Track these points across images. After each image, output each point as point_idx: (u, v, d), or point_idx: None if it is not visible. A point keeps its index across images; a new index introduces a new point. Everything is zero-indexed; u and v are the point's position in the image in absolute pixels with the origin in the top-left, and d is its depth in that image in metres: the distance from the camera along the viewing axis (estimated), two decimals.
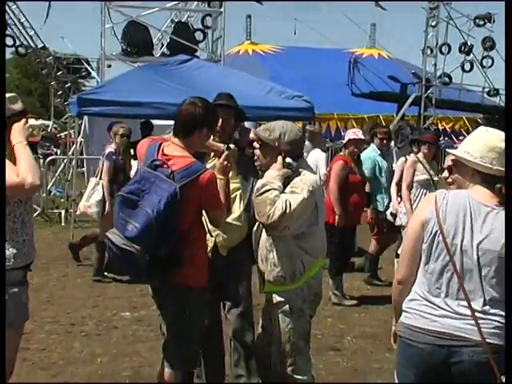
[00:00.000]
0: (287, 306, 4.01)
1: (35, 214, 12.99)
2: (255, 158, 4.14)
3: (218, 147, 4.14)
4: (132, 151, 11.47)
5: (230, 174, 4.18)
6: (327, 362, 5.83)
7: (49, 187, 14.81)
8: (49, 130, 28.35)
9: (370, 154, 8.46)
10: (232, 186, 4.36)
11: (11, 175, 3.44)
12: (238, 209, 4.45)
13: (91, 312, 7.11)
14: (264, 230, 4.00)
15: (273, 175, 3.91)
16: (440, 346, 2.95)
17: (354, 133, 7.71)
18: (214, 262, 4.30)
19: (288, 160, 3.94)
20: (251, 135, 4.20)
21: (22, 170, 3.45)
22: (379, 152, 8.50)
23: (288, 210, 3.74)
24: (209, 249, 4.34)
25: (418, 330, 3.02)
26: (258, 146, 4.07)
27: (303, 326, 4.08)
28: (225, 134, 4.43)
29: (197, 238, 3.91)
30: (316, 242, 4.01)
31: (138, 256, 3.63)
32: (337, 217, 7.35)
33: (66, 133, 16.91)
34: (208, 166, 4.19)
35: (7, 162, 3.48)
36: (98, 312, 7.13)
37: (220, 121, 4.28)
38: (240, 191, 4.47)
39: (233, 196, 4.39)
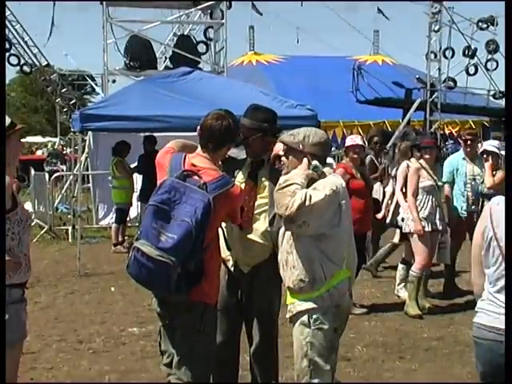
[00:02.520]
0: (306, 317, 3.84)
1: (42, 232, 13.00)
2: (282, 166, 4.09)
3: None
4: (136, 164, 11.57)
5: (259, 189, 4.23)
6: (338, 372, 5.60)
7: (55, 204, 14.81)
8: (56, 146, 28.49)
9: (453, 158, 8.52)
10: (259, 201, 4.33)
11: None
12: (262, 225, 4.35)
13: (99, 329, 7.06)
14: (284, 232, 3.89)
15: (297, 173, 3.83)
16: (501, 342, 3.07)
17: (351, 139, 7.71)
18: (235, 279, 4.24)
19: (314, 162, 3.87)
20: (276, 145, 4.19)
21: None
22: (463, 156, 8.34)
23: (308, 203, 3.63)
24: (230, 265, 4.27)
25: (483, 327, 3.20)
26: (283, 153, 4.01)
27: (323, 342, 3.83)
28: (252, 152, 4.39)
29: (214, 254, 3.89)
30: (338, 246, 3.86)
31: (174, 268, 3.56)
32: None
33: (71, 149, 16.92)
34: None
35: None
36: (106, 328, 7.07)
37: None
38: (267, 207, 4.35)
39: (259, 211, 4.35)
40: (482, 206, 7.58)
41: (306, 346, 3.83)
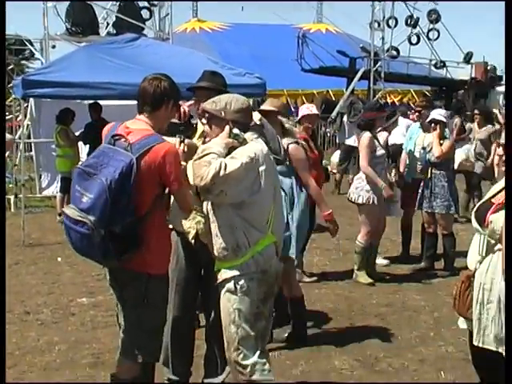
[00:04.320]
0: (232, 283, 3.79)
1: None
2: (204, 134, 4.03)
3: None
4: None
5: None
6: (288, 340, 5.79)
7: None
8: None
9: (413, 127, 8.82)
10: None
11: None
12: None
13: (46, 299, 6.95)
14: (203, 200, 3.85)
15: (216, 141, 3.78)
16: None
17: (307, 108, 7.62)
18: (195, 251, 4.19)
19: (235, 131, 3.81)
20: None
21: None
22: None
23: (222, 172, 3.59)
24: (191, 236, 4.22)
25: None
26: (205, 120, 3.94)
27: (250, 308, 3.81)
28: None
29: (157, 223, 3.76)
30: (260, 213, 3.81)
31: (92, 228, 3.51)
32: None
33: (11, 116, 16.44)
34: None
35: None
36: (54, 299, 6.97)
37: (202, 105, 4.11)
38: None
39: None
40: (431, 175, 7.71)
41: (233, 313, 3.81)
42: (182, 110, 4.36)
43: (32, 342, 5.78)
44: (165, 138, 3.86)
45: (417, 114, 8.92)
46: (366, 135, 7.46)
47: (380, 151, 7.53)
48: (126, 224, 3.60)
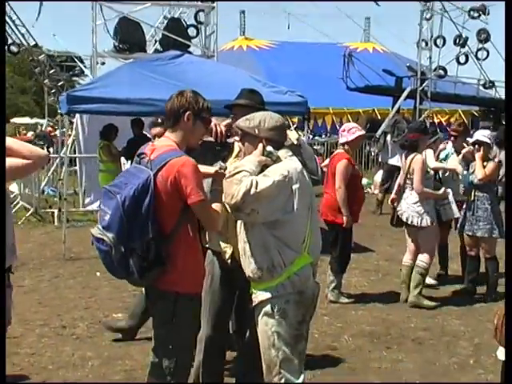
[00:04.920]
0: (269, 306, 3.73)
1: (28, 214, 12.87)
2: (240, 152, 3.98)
3: (208, 172, 3.88)
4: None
5: None
6: (324, 361, 5.71)
7: (42, 186, 14.66)
8: (43, 128, 28.23)
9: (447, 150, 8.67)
10: None
11: (14, 161, 3.55)
12: None
13: (83, 314, 6.97)
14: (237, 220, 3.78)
15: (249, 159, 3.73)
16: None
17: (358, 129, 7.59)
18: (231, 271, 4.14)
19: (269, 148, 3.75)
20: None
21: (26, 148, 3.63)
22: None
23: (253, 190, 3.52)
24: (228, 256, 4.18)
25: None
26: (238, 138, 3.90)
27: (289, 331, 3.73)
28: None
29: (184, 241, 3.70)
30: (295, 232, 3.72)
31: (110, 245, 3.52)
32: (345, 217, 7.27)
33: (59, 131, 16.71)
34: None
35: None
36: (90, 314, 6.99)
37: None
38: None
39: None
40: (474, 197, 7.54)
41: (272, 336, 3.74)
42: (218, 129, 4.30)
43: (66, 356, 5.79)
44: (202, 167, 3.79)
45: (452, 138, 8.76)
46: (419, 158, 7.37)
47: (429, 173, 7.49)
48: (148, 241, 3.57)
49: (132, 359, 5.67)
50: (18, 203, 14.10)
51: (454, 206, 7.66)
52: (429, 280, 8.05)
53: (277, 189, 3.61)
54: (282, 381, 3.76)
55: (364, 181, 17.29)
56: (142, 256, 3.57)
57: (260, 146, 3.76)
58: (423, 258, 7.40)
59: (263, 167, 3.72)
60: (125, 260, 3.57)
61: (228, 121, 4.49)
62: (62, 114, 10.24)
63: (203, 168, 3.81)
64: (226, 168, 3.80)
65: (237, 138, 3.93)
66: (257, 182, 3.56)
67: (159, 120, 6.09)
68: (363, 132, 7.64)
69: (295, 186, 3.68)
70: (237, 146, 4.27)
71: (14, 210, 13.67)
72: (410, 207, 7.40)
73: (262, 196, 3.56)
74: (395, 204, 7.72)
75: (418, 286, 7.37)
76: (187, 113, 3.75)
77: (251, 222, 3.72)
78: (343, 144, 7.54)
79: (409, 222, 7.42)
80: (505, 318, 3.01)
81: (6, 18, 20.42)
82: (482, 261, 7.83)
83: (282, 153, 3.82)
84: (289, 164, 3.76)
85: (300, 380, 3.78)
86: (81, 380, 5.30)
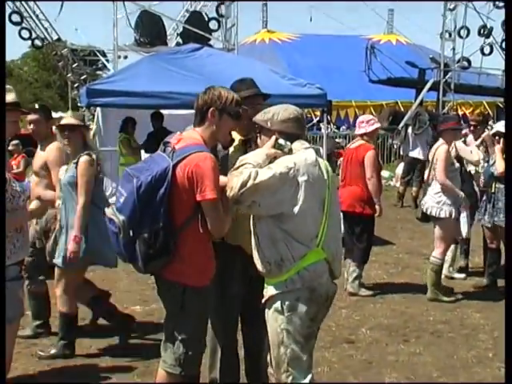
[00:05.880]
0: (279, 303, 3.64)
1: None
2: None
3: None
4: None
5: None
6: (341, 354, 5.69)
7: None
8: None
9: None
10: None
11: None
12: None
13: None
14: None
15: (256, 152, 3.70)
16: None
17: (376, 121, 7.62)
18: (245, 264, 4.08)
19: (280, 141, 3.70)
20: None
21: None
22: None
23: (251, 182, 3.46)
24: (241, 250, 4.13)
25: None
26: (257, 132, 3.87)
27: (299, 329, 3.64)
28: (244, 125, 4.10)
29: (195, 235, 3.68)
30: (304, 225, 3.60)
31: (119, 227, 3.55)
32: (377, 206, 7.35)
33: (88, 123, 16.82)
34: None
35: None
36: None
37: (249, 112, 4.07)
38: None
39: None
40: (495, 189, 7.45)
41: (281, 334, 3.66)
42: None
43: (84, 348, 5.83)
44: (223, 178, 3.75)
45: (471, 128, 8.67)
46: (443, 148, 7.30)
47: (455, 165, 7.41)
48: (157, 230, 3.57)
49: (149, 351, 5.68)
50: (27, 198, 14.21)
51: (467, 226, 7.39)
52: (457, 275, 8.12)
53: (279, 181, 3.53)
54: (289, 379, 3.70)
55: (386, 174, 17.22)
56: (148, 243, 3.58)
57: (272, 138, 3.71)
58: (436, 254, 7.36)
59: (273, 160, 3.67)
60: (132, 245, 3.59)
61: None
62: (82, 108, 10.29)
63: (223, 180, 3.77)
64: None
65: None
66: (256, 174, 3.50)
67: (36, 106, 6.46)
68: (380, 124, 7.66)
69: (302, 179, 3.58)
70: (236, 136, 4.21)
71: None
72: (432, 198, 7.33)
73: (260, 188, 3.49)
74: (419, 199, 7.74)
75: (433, 282, 7.33)
76: (211, 109, 3.77)
77: (257, 216, 3.67)
78: (362, 135, 7.52)
79: (428, 213, 7.36)
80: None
81: (30, 13, 20.64)
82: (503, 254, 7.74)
83: (297, 145, 3.75)
84: (297, 156, 3.67)
85: (308, 379, 3.71)
86: (100, 372, 5.33)
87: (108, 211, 3.67)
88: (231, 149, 4.20)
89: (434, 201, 7.31)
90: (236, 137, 4.22)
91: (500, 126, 7.58)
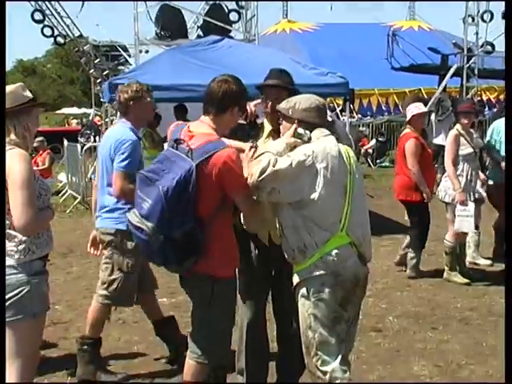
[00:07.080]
0: (304, 289, 3.70)
1: (75, 202, 13.08)
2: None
3: (241, 147, 3.90)
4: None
5: None
6: (368, 343, 5.68)
7: (89, 175, 14.86)
8: (90, 117, 28.63)
9: (499, 122, 8.20)
10: None
11: None
12: None
13: None
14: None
15: (276, 141, 3.74)
16: None
17: (416, 107, 7.53)
18: (269, 249, 4.13)
19: (300, 130, 3.73)
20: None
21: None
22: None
23: (270, 168, 3.52)
24: (265, 239, 4.17)
25: None
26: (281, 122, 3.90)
27: (326, 313, 3.67)
28: (274, 116, 4.10)
29: (221, 229, 3.73)
30: (324, 211, 3.63)
31: (150, 234, 3.54)
32: (424, 194, 7.35)
33: (106, 120, 16.92)
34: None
35: None
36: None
37: (269, 104, 4.10)
38: None
39: None
40: None
41: (308, 318, 3.71)
42: (248, 109, 4.28)
43: (112, 340, 5.88)
44: (235, 142, 3.84)
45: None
46: (451, 132, 7.33)
47: (466, 150, 7.33)
48: (187, 231, 3.58)
49: None
50: (66, 192, 14.33)
51: (471, 222, 7.33)
52: (482, 261, 8.13)
53: (297, 168, 3.58)
54: (319, 362, 3.73)
55: None
56: (180, 245, 3.59)
57: (293, 126, 3.75)
58: (448, 237, 7.47)
59: (293, 149, 3.70)
60: (163, 249, 3.59)
61: (258, 101, 4.46)
62: (104, 103, 10.35)
63: (237, 144, 3.83)
64: (257, 146, 3.81)
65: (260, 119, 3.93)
66: (275, 161, 3.55)
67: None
68: (419, 110, 7.53)
69: (321, 165, 3.62)
70: (267, 127, 4.25)
71: (62, 199, 13.94)
72: (444, 182, 7.46)
73: (279, 174, 3.54)
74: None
75: (446, 263, 7.49)
76: (235, 108, 3.80)
77: (277, 203, 3.72)
78: (407, 123, 7.61)
79: (439, 197, 7.54)
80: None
81: (52, 10, 20.76)
82: None
83: (317, 133, 3.78)
84: (317, 144, 3.72)
85: (335, 363, 3.73)
86: (127, 365, 5.37)
87: (132, 218, 3.64)
88: (262, 139, 4.21)
89: (446, 186, 7.44)
90: (267, 127, 4.24)
91: None
